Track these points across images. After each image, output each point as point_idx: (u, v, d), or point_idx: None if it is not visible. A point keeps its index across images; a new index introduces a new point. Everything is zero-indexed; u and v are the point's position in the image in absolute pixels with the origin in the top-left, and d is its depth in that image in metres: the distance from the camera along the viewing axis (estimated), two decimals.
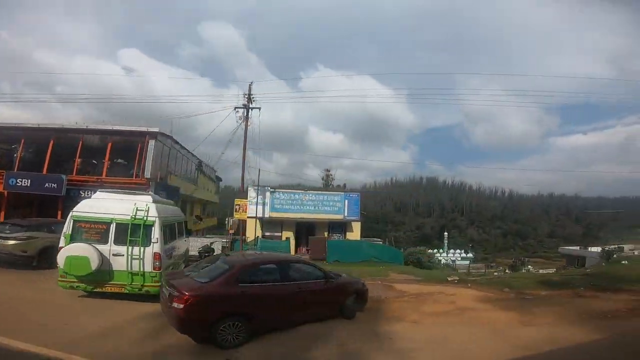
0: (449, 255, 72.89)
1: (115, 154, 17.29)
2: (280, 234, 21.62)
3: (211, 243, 15.14)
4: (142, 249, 7.67)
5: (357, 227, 22.95)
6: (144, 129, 16.47)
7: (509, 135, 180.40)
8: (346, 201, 22.95)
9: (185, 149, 22.20)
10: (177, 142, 20.52)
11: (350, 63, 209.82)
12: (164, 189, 17.59)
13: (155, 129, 16.62)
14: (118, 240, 7.65)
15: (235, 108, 18.31)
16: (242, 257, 7.54)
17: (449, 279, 12.28)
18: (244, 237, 18.21)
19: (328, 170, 63.98)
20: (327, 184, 64.46)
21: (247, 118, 18.06)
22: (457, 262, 67.36)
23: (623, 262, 14.93)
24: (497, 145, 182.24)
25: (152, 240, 7.82)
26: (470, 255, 73.62)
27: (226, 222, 19.94)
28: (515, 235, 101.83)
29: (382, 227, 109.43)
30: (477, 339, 6.12)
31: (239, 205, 17.29)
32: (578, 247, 59.18)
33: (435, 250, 73.29)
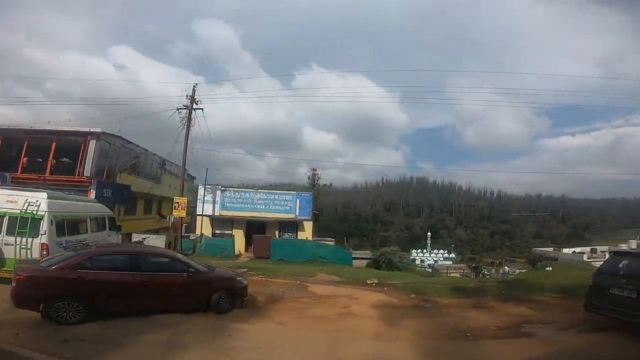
0: (431, 256, 73.65)
1: (61, 153, 18.03)
2: (230, 232, 22.31)
3: (143, 239, 15.88)
4: (30, 239, 8.63)
5: (308, 226, 23.52)
6: (86, 129, 17.21)
7: (500, 136, 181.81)
8: (298, 201, 23.53)
9: (141, 147, 22.96)
10: (130, 142, 21.27)
11: (343, 62, 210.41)
12: (109, 187, 18.36)
13: (98, 129, 17.39)
14: (9, 232, 8.66)
15: (178, 109, 19.08)
16: (99, 247, 8.32)
17: (368, 282, 12.39)
18: (187, 234, 18.93)
19: (314, 170, 64.56)
20: (314, 184, 65.23)
21: (189, 119, 18.83)
22: (440, 263, 68.11)
23: (547, 268, 15.09)
24: (487, 146, 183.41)
25: (40, 232, 8.72)
26: (452, 255, 74.45)
27: (168, 219, 20.69)
28: (502, 236, 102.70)
29: (371, 227, 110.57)
30: (313, 348, 6.13)
31: (177, 203, 18.03)
32: (552, 249, 60.13)
33: (419, 251, 74.20)
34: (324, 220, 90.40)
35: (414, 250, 71.51)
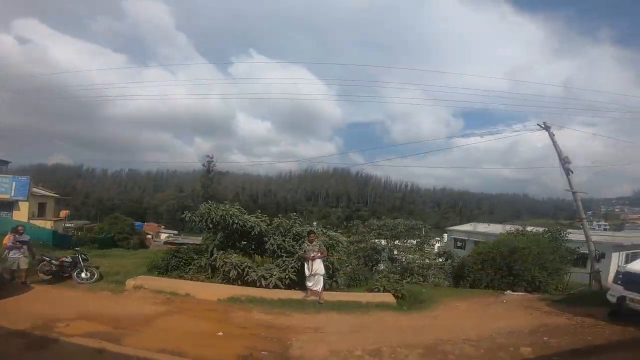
0: None
1: None
2: None
3: None
4: None
5: (24, 206, 24.97)
6: None
7: (421, 133, 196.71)
8: (14, 183, 24.97)
9: None
10: None
11: (284, 52, 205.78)
12: None
13: None
14: None
15: None
16: None
17: None
18: None
19: (209, 156, 62.21)
20: (209, 170, 62.66)
21: None
22: None
23: None
24: (410, 142, 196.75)
25: None
26: None
27: None
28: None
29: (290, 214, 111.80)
30: None
31: None
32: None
33: None
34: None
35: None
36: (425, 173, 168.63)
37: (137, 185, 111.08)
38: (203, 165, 62.54)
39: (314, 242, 7.76)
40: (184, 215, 10.30)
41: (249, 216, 9.73)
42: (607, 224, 78.65)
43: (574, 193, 16.45)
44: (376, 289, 8.37)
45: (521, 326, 5.88)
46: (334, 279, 9.14)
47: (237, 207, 9.93)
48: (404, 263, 13.81)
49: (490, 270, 11.77)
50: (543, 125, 14.04)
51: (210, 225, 9.63)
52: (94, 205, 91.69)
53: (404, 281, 10.88)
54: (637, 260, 6.84)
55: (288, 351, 4.74)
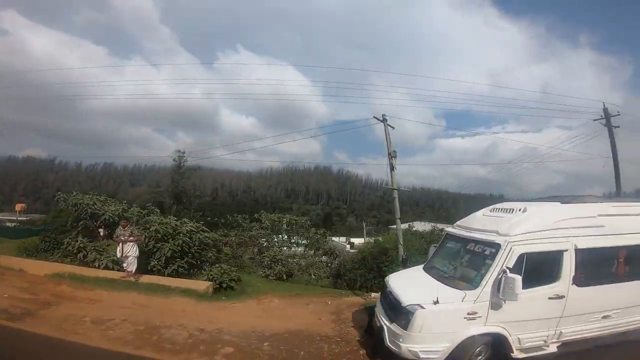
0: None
1: None
2: None
3: None
4: None
5: None
6: None
7: (405, 133, 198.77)
8: None
9: None
10: None
11: (270, 49, 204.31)
12: None
13: None
14: None
15: None
16: None
17: None
18: None
19: (180, 151, 61.87)
20: (180, 165, 62.20)
21: None
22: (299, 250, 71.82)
23: None
24: (394, 141, 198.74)
25: None
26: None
27: None
28: (385, 224, 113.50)
29: (268, 211, 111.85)
30: None
31: None
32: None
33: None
34: (204, 203, 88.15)
35: None
36: (408, 172, 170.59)
37: (112, 180, 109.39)
38: (174, 160, 62.17)
39: (125, 228, 8.81)
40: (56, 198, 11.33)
41: (110, 207, 11.08)
42: None
43: (392, 190, 17.18)
44: (205, 278, 8.96)
45: (285, 329, 6.37)
46: (156, 262, 9.44)
47: (103, 198, 11.70)
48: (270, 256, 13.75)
49: (364, 271, 12.32)
50: (381, 118, 15.11)
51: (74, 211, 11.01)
52: None
53: (265, 272, 11.53)
54: (396, 274, 6.56)
55: (40, 310, 5.96)
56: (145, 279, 8.55)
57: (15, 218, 32.27)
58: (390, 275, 6.61)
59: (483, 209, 6.32)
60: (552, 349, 4.90)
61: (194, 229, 10.29)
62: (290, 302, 8.45)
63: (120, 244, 8.58)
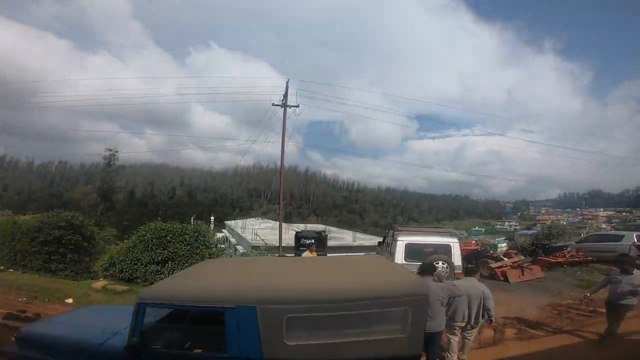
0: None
1: None
2: None
3: None
4: None
5: None
6: None
7: (377, 134, 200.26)
8: None
9: None
10: None
11: (245, 46, 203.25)
12: None
13: None
14: None
15: None
16: None
17: None
18: None
19: (111, 150, 60.65)
20: (110, 163, 60.88)
21: None
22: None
23: None
24: (366, 143, 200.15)
25: None
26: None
27: None
28: (345, 224, 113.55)
29: (226, 211, 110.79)
30: None
31: None
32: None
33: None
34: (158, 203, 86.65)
35: None
36: (380, 174, 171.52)
37: (65, 179, 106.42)
38: (104, 158, 60.76)
39: None
40: None
41: None
42: (517, 224, 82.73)
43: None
44: None
45: None
46: None
47: None
48: None
49: None
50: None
51: None
52: (11, 198, 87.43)
53: None
54: None
55: None
56: None
57: None
58: None
59: None
60: None
61: None
62: None
63: None
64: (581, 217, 67.14)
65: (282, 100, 18.31)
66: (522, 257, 11.71)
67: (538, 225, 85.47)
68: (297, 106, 18.21)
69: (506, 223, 77.48)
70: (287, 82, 17.49)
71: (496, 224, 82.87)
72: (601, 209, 78.71)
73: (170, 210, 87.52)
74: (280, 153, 18.17)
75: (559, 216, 73.98)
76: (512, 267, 10.62)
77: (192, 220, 34.75)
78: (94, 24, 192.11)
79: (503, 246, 15.85)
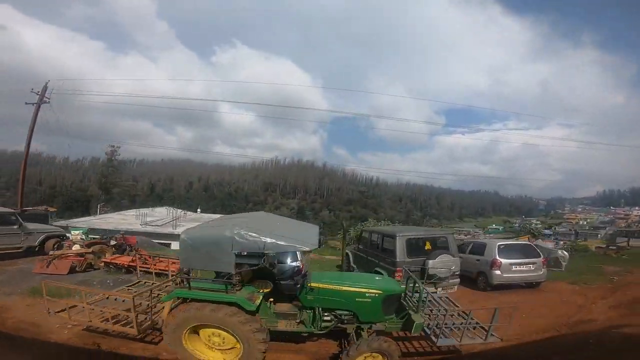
0: None
1: None
2: None
3: None
4: None
5: None
6: None
7: (404, 130, 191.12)
8: None
9: None
10: None
11: (268, 44, 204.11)
12: None
13: None
14: None
15: None
16: None
17: None
18: None
19: (113, 146, 63.19)
20: (111, 159, 63.59)
21: None
22: None
23: None
24: (395, 138, 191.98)
25: None
26: None
27: None
28: (358, 219, 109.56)
29: (241, 204, 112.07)
30: None
31: None
32: None
33: None
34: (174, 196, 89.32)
35: None
36: (407, 169, 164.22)
37: (96, 174, 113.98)
38: (106, 154, 63.32)
39: None
40: None
41: None
42: (539, 222, 74.18)
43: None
44: None
45: None
46: None
47: None
48: None
49: None
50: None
51: None
52: (44, 191, 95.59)
53: None
54: None
55: None
56: None
57: None
58: None
59: None
60: None
61: None
62: None
63: None
64: (612, 217, 57.50)
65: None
66: None
67: (564, 224, 76.04)
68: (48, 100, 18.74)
69: (533, 221, 69.23)
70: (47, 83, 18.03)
71: (515, 223, 74.67)
72: (637, 208, 67.19)
73: (184, 203, 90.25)
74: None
75: (589, 215, 64.25)
76: None
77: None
78: (124, 25, 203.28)
79: None
